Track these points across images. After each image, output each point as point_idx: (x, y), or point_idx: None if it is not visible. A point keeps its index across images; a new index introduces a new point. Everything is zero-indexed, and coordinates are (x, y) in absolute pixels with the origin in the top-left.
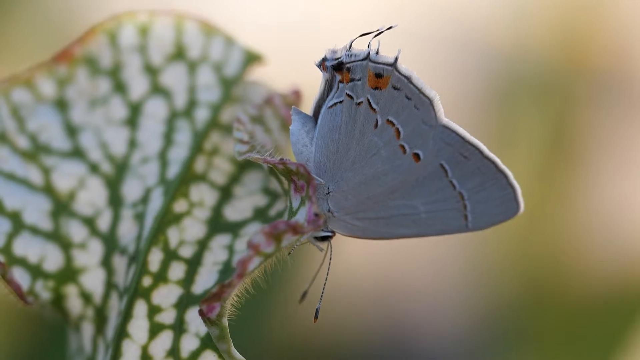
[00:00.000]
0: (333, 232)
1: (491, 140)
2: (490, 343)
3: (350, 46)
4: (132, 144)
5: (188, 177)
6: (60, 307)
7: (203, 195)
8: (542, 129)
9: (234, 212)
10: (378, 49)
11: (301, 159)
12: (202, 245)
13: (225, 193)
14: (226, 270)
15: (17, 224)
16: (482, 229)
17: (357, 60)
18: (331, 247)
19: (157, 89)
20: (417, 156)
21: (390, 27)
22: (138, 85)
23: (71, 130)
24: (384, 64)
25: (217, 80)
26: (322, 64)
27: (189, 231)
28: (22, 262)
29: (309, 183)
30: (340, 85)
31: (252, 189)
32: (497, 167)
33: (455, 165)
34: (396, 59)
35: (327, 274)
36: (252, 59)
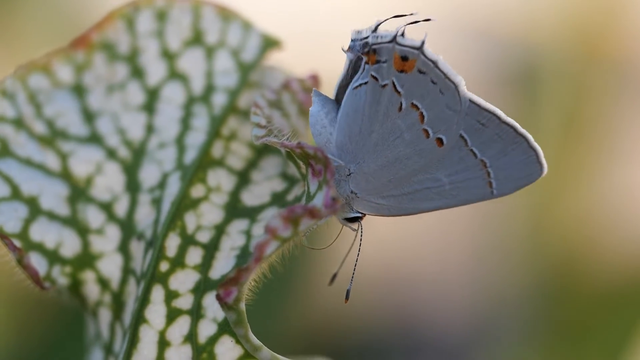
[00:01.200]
0: (362, 213)
1: None
2: (501, 332)
3: (377, 28)
4: (150, 129)
5: (205, 162)
6: (78, 293)
7: (220, 180)
8: (557, 117)
9: (251, 197)
10: (404, 32)
11: (320, 140)
12: (220, 230)
13: (243, 178)
14: (243, 255)
15: (34, 209)
16: (507, 193)
17: (384, 42)
18: (362, 229)
19: (175, 74)
20: (440, 141)
21: (428, 19)
22: (155, 70)
23: (88, 116)
24: (410, 47)
25: (234, 65)
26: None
27: (206, 216)
28: (39, 248)
29: (326, 167)
30: (366, 66)
31: (270, 173)
32: (517, 131)
33: (474, 133)
34: (423, 43)
35: (357, 256)
36: (269, 44)
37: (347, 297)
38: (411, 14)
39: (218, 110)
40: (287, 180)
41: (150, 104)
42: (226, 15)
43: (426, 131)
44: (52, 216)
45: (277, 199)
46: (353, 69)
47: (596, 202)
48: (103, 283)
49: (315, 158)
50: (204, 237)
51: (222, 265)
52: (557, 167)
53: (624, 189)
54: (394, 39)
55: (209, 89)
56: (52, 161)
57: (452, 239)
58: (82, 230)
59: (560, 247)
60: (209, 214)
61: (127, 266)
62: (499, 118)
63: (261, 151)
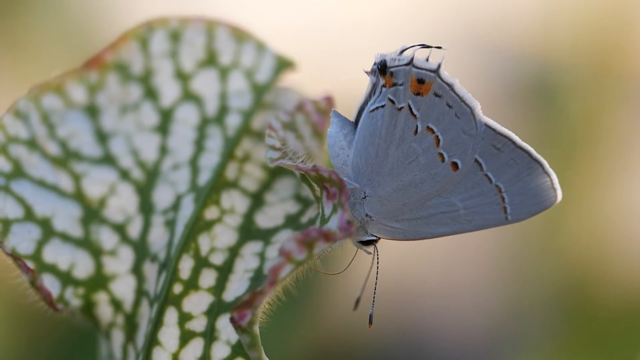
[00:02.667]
0: (377, 236)
1: None
2: (511, 349)
3: (402, 52)
4: (163, 150)
5: (219, 183)
6: (91, 315)
7: (234, 202)
8: (567, 130)
9: (265, 219)
10: (429, 57)
11: (337, 162)
12: (233, 252)
13: (257, 200)
14: (257, 277)
15: (47, 230)
16: (522, 220)
17: (401, 65)
18: (377, 252)
19: (189, 95)
20: (455, 165)
21: (439, 47)
22: (169, 91)
23: (102, 137)
24: (427, 69)
25: (248, 86)
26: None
27: (220, 238)
28: (52, 269)
29: (341, 190)
30: (383, 89)
31: (284, 195)
32: (532, 156)
33: (489, 157)
34: (439, 66)
35: (377, 279)
36: (283, 65)
37: (370, 322)
38: (438, 47)
39: (232, 132)
40: (301, 202)
41: (164, 125)
42: (240, 36)
43: (441, 155)
44: (65, 237)
45: (291, 221)
46: (373, 91)
47: (609, 218)
48: (116, 304)
49: (330, 181)
50: (217, 259)
51: (235, 288)
52: (570, 183)
53: (636, 205)
54: (410, 62)
55: (223, 110)
56: (65, 182)
57: (462, 255)
58: (96, 252)
59: (572, 264)
60: (223, 236)
61: (141, 288)
62: (514, 143)
63: (275, 173)
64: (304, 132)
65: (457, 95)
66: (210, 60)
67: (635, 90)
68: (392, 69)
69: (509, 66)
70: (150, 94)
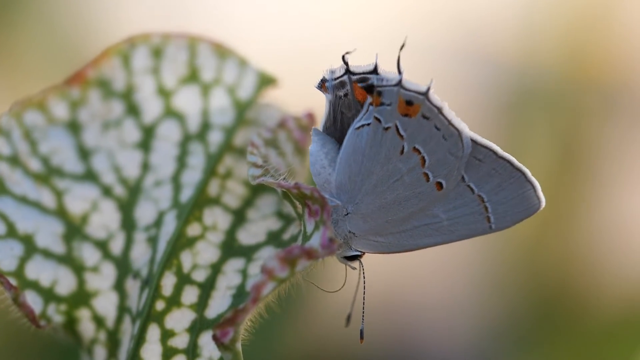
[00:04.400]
0: (361, 251)
1: None
2: (498, 357)
3: (348, 68)
4: (145, 167)
5: (201, 200)
6: (73, 331)
7: (216, 218)
8: (552, 141)
9: (247, 235)
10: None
11: (319, 180)
12: (216, 269)
13: (239, 217)
14: (240, 294)
15: (30, 247)
16: (506, 227)
17: (389, 85)
18: (363, 267)
19: (171, 112)
20: (439, 185)
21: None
22: (151, 107)
23: (84, 153)
24: (415, 92)
25: (230, 103)
26: (322, 85)
27: (202, 255)
28: (35, 286)
29: (323, 207)
30: (370, 107)
31: (266, 212)
32: (513, 166)
33: (471, 169)
34: (428, 88)
35: (364, 295)
36: (266, 81)
37: (361, 337)
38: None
39: (214, 148)
40: (283, 219)
41: (146, 142)
42: (222, 52)
43: (426, 175)
44: (47, 254)
45: (273, 238)
46: (333, 110)
47: (593, 230)
48: (98, 321)
49: (312, 198)
50: (200, 276)
51: (218, 304)
52: (553, 192)
53: (621, 213)
54: (399, 83)
55: (205, 126)
56: (47, 199)
57: (451, 269)
58: (78, 268)
59: (558, 273)
60: (205, 253)
61: (123, 304)
62: (495, 153)
63: (257, 189)
64: (286, 148)
65: (446, 118)
66: (192, 76)
67: (617, 99)
68: (379, 89)
69: (490, 75)
70: (132, 110)
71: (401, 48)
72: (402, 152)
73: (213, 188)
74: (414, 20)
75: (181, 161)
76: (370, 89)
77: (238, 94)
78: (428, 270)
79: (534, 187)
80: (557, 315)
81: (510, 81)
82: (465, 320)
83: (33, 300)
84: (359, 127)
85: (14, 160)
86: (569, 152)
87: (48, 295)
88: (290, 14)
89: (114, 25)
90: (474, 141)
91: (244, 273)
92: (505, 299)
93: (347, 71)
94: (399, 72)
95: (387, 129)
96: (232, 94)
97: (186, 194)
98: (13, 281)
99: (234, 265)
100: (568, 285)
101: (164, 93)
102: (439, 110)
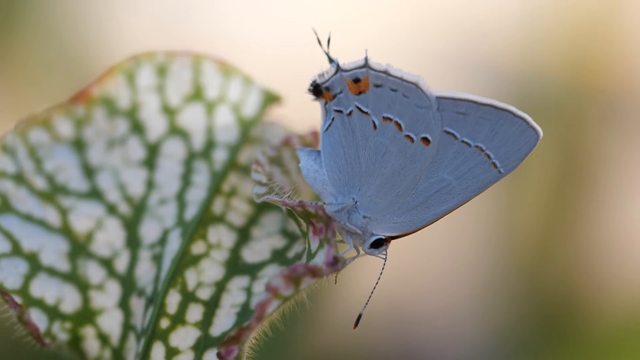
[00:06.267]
0: (385, 236)
1: None
2: None
3: (338, 67)
4: (150, 185)
5: (206, 218)
6: (78, 349)
7: (221, 236)
8: (554, 150)
9: (252, 253)
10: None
11: (317, 186)
12: (220, 287)
13: (243, 235)
14: (244, 312)
15: (35, 265)
16: (515, 167)
17: (331, 77)
18: (386, 254)
19: (175, 130)
20: (426, 140)
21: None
22: (156, 125)
23: (89, 171)
24: (356, 68)
25: (235, 120)
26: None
27: (207, 273)
28: (40, 304)
29: (327, 225)
30: (327, 106)
31: (270, 230)
32: (498, 108)
33: (458, 124)
34: (366, 59)
35: (377, 282)
36: (270, 99)
37: (356, 323)
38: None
39: (219, 166)
40: (288, 237)
41: (150, 160)
42: (226, 71)
43: (409, 137)
44: (52, 272)
45: (278, 256)
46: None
47: (596, 238)
48: (103, 339)
49: (317, 216)
50: (204, 294)
51: (222, 322)
52: (556, 202)
53: (624, 224)
54: (337, 70)
55: (210, 144)
56: (52, 217)
57: (455, 277)
58: (83, 286)
59: (560, 284)
60: (210, 271)
61: (128, 322)
62: (475, 102)
63: (261, 207)
64: (290, 167)
65: (397, 77)
66: (196, 94)
67: (618, 108)
68: (325, 85)
69: (496, 84)
70: (137, 128)
71: (328, 42)
72: (374, 126)
73: (218, 206)
74: (415, 28)
75: (186, 179)
76: (318, 90)
77: (242, 112)
78: (432, 278)
79: (525, 121)
80: (561, 323)
81: (512, 89)
82: (469, 328)
83: (38, 318)
84: (327, 129)
85: (19, 178)
86: (571, 160)
87: (53, 313)
88: (289, 21)
89: (114, 34)
90: (450, 98)
91: (248, 291)
92: (509, 307)
93: (313, 83)
94: (331, 60)
95: (350, 113)
96: (236, 111)
97: (191, 212)
98: (18, 299)
99: (238, 283)
100: (571, 293)
101: (168, 111)
102: (386, 72)
